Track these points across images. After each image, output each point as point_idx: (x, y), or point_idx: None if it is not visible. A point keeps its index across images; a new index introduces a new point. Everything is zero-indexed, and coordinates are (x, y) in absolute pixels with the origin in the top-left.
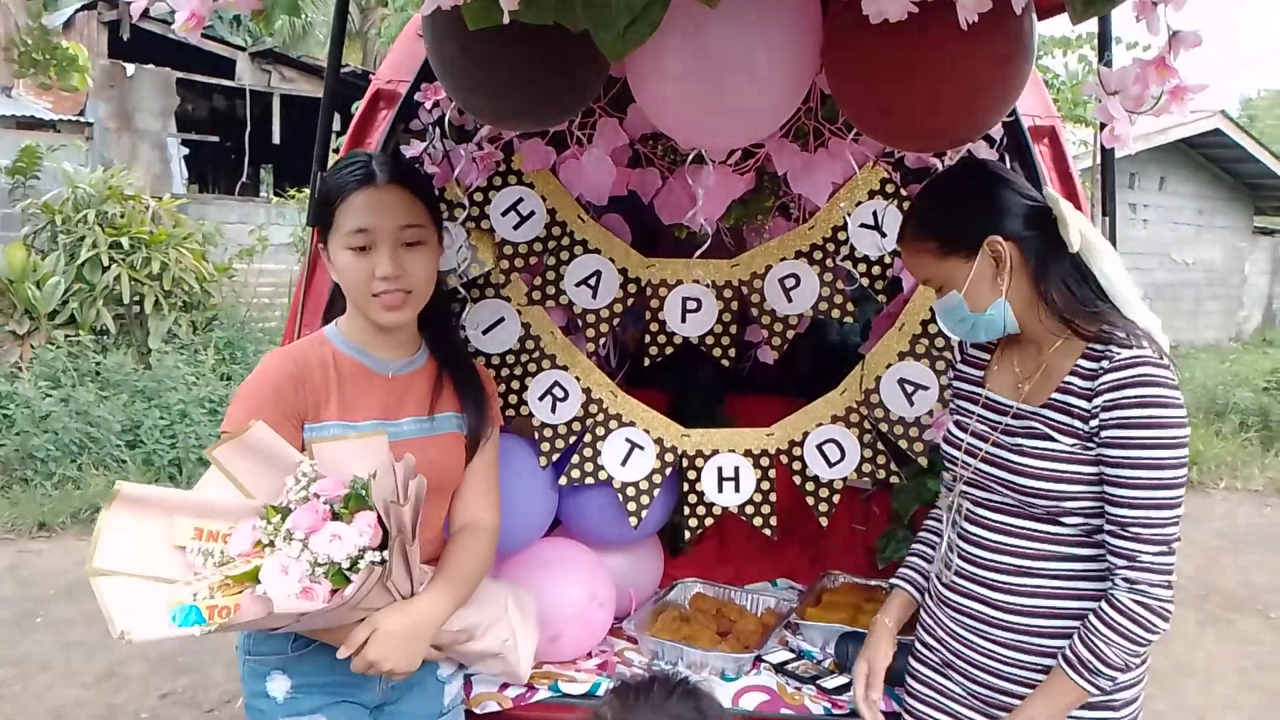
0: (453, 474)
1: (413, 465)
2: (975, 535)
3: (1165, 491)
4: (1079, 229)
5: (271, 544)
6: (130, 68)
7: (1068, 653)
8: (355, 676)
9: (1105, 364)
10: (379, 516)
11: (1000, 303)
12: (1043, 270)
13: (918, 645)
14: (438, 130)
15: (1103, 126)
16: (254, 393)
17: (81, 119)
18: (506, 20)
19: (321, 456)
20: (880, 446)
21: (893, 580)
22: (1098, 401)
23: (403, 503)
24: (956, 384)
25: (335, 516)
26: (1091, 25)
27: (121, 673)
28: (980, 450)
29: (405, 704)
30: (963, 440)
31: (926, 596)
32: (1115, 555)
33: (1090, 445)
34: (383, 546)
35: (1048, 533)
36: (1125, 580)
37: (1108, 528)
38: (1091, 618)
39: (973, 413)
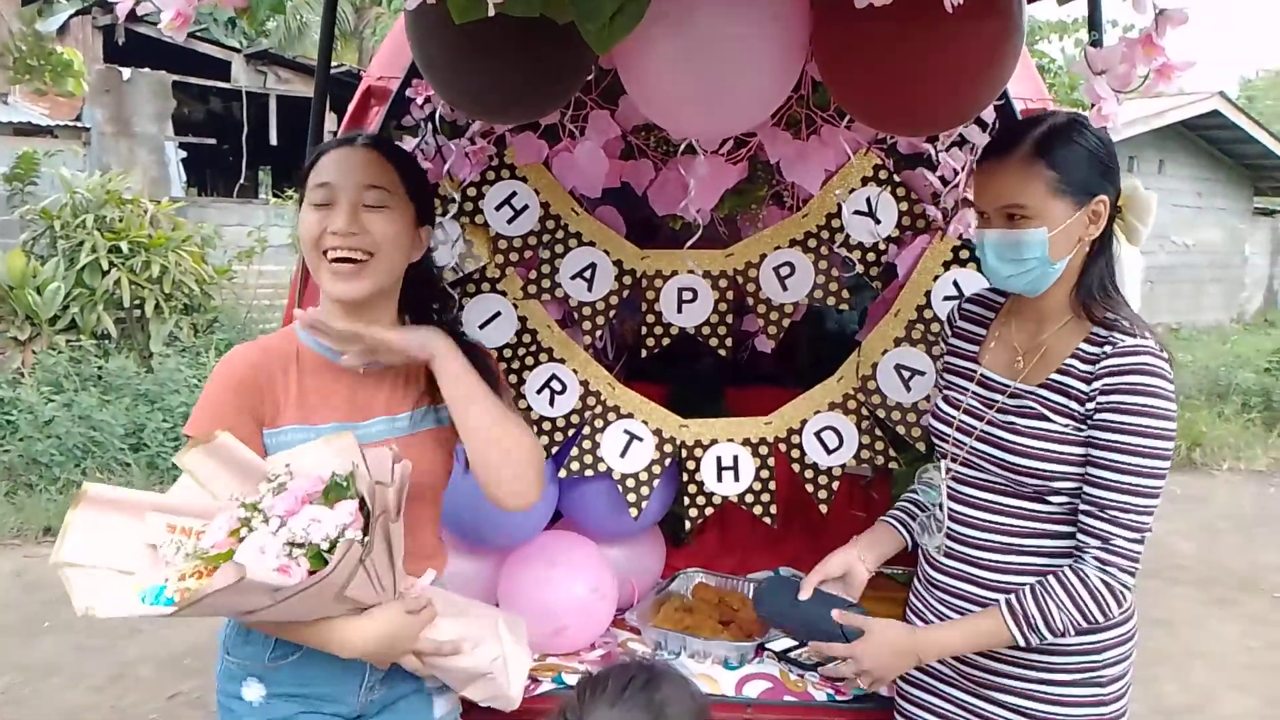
0: (432, 475)
1: (398, 452)
2: (963, 514)
3: (1148, 480)
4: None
5: (249, 527)
6: (126, 72)
7: (1013, 601)
8: (332, 688)
9: (1109, 349)
10: (361, 501)
11: (1065, 260)
12: (1098, 249)
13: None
14: (430, 126)
15: (1092, 106)
16: (213, 395)
17: (78, 124)
18: (492, 13)
19: (297, 464)
20: (878, 433)
21: (883, 519)
22: (1096, 385)
23: (389, 484)
24: (949, 359)
25: (319, 505)
26: (1084, 8)
27: (130, 675)
28: (975, 429)
29: (390, 716)
30: (955, 418)
31: (915, 580)
32: (1088, 534)
33: (1083, 427)
34: (366, 531)
35: (1033, 510)
36: (1096, 559)
37: (1084, 507)
38: (1051, 579)
39: (967, 389)
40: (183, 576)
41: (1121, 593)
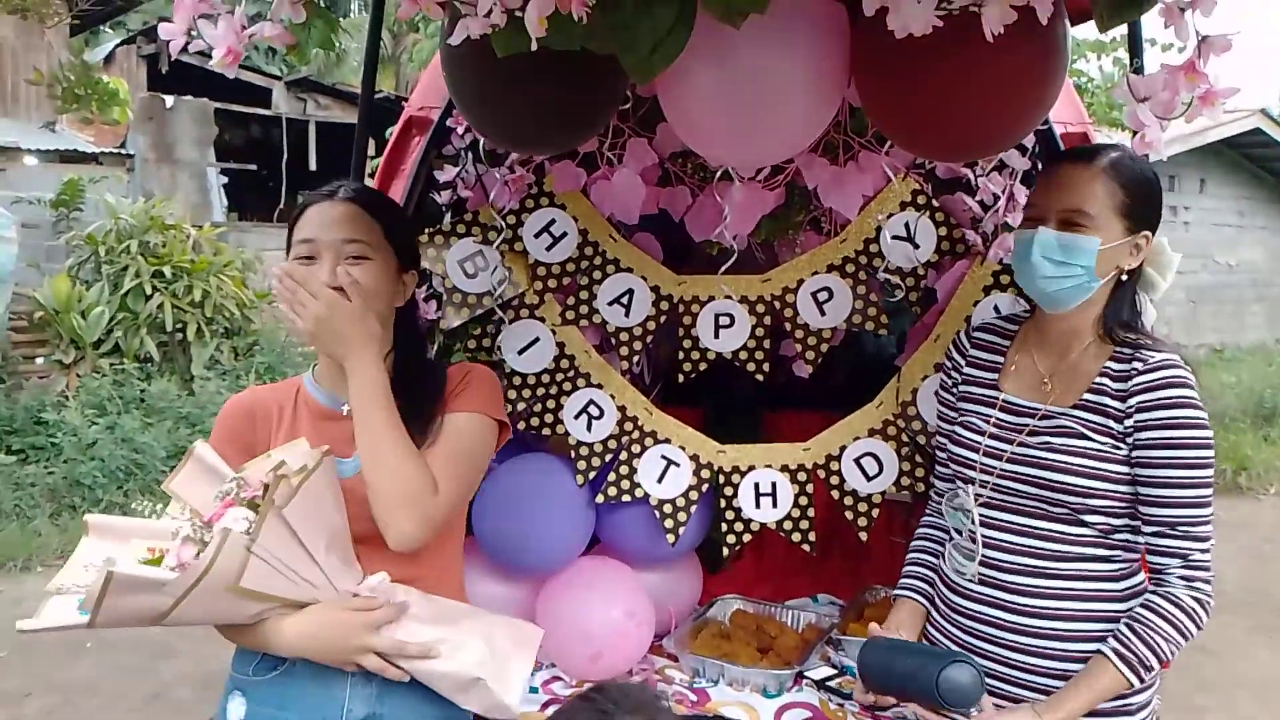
0: None
1: (325, 449)
2: (992, 539)
3: (1204, 491)
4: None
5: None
6: (169, 99)
7: (1118, 646)
8: (312, 711)
9: (1138, 365)
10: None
11: (1101, 281)
12: (1130, 282)
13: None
14: (470, 155)
15: (1135, 133)
16: (214, 430)
17: (122, 151)
18: (535, 47)
19: (250, 474)
20: (918, 459)
21: (896, 592)
22: (1132, 402)
23: (290, 475)
24: (965, 388)
25: (246, 507)
26: (1124, 28)
27: (168, 696)
28: (1005, 452)
29: None
30: (980, 443)
31: (934, 605)
32: (1165, 555)
33: (1121, 445)
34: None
35: (1067, 534)
36: (1183, 579)
37: (1152, 529)
38: (1145, 612)
39: (989, 416)
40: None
41: (1209, 603)
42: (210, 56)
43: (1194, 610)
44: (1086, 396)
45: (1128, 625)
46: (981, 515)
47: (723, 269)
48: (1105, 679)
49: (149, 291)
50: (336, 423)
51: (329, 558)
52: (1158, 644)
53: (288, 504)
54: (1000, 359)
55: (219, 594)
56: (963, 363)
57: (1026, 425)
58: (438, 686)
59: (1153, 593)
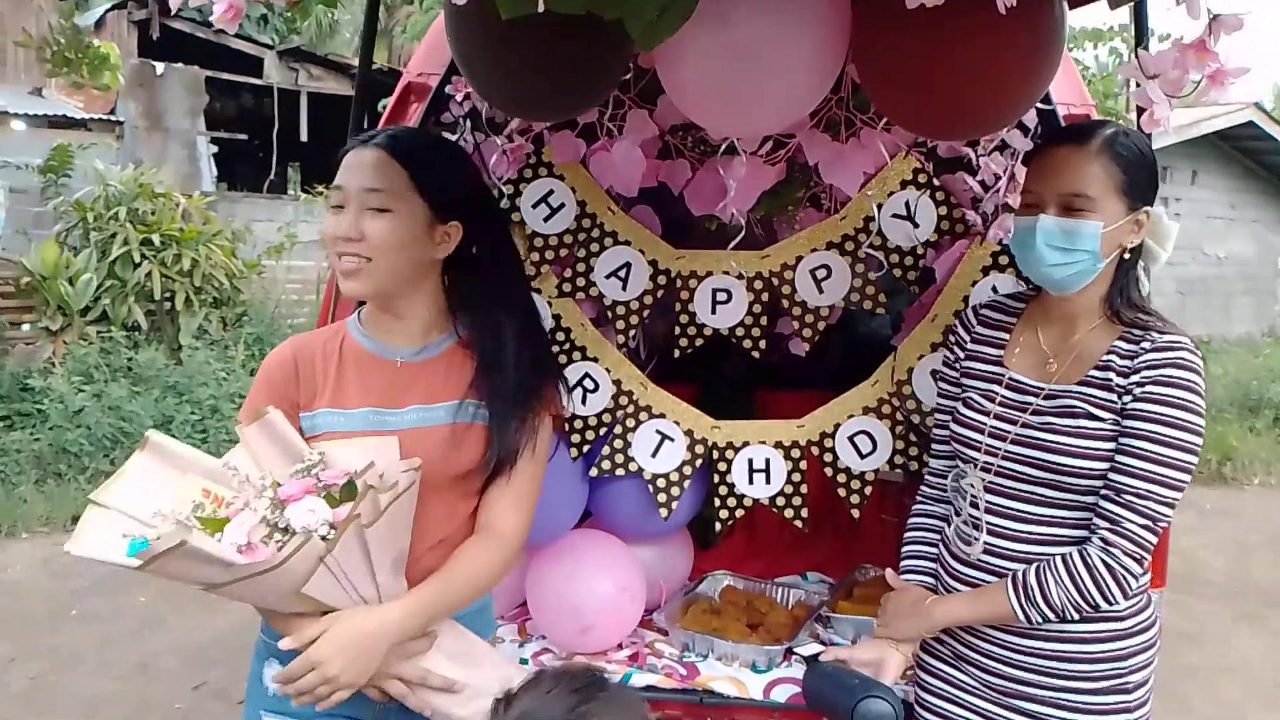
0: (462, 468)
1: (417, 464)
2: (992, 524)
3: (1172, 472)
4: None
5: (259, 502)
6: (160, 67)
7: (1017, 574)
8: None
9: (1146, 344)
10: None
11: (1105, 262)
12: (1133, 259)
13: (928, 639)
14: (469, 122)
15: (1140, 112)
16: (255, 382)
17: (112, 118)
18: (541, 9)
19: (331, 455)
20: (912, 438)
21: (903, 576)
22: (1134, 378)
23: (380, 489)
24: (969, 365)
25: (324, 499)
26: (1123, 16)
27: (155, 665)
28: (1009, 433)
29: None
30: (985, 423)
31: (940, 583)
32: (1100, 516)
33: (1120, 421)
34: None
35: (1068, 518)
36: (1101, 540)
37: (1103, 491)
38: (1057, 558)
39: (994, 394)
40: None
41: (1124, 578)
42: (202, 24)
43: (1099, 574)
44: (1092, 373)
45: (1038, 563)
46: (988, 491)
47: (731, 245)
48: (994, 599)
49: (137, 259)
50: (383, 370)
51: (387, 578)
52: (1048, 585)
53: (372, 524)
54: (1006, 336)
55: (277, 588)
56: (967, 339)
57: (1030, 404)
58: (438, 717)
59: (1075, 547)
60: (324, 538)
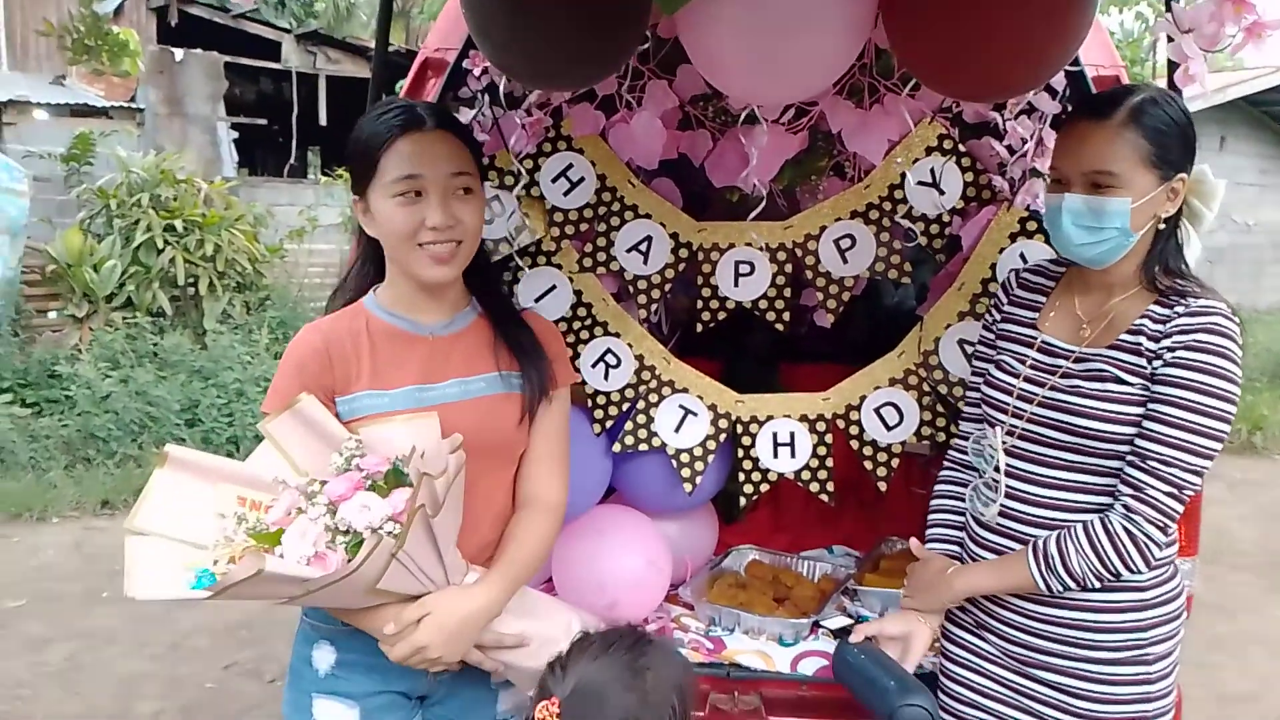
0: (506, 437)
1: (459, 441)
2: (1017, 490)
3: (1201, 439)
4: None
5: (302, 510)
6: (179, 53)
7: (1038, 542)
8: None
9: (1180, 309)
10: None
11: (1139, 234)
12: (1170, 226)
13: (953, 608)
14: (487, 97)
15: (1172, 69)
16: (284, 370)
17: (132, 105)
18: None
19: (371, 437)
20: (939, 409)
21: (928, 545)
22: (1165, 342)
23: (435, 476)
24: (1004, 326)
25: (373, 490)
26: None
27: (187, 645)
28: (1037, 396)
29: (454, 704)
30: (1014, 386)
31: (965, 549)
32: (1124, 483)
33: (1150, 386)
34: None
35: (1086, 482)
36: (1124, 506)
37: (1129, 457)
38: (1078, 525)
39: (1026, 357)
40: (232, 559)
41: (1146, 545)
42: (219, 9)
43: (1121, 541)
44: (1123, 338)
45: (1056, 533)
46: (1010, 455)
47: (751, 215)
48: (1015, 568)
49: (160, 245)
50: (416, 346)
51: (451, 557)
52: (1069, 554)
53: (437, 513)
54: (1042, 299)
55: (351, 590)
56: (1005, 301)
57: (1060, 367)
58: (514, 677)
59: (1096, 514)
60: (391, 534)
